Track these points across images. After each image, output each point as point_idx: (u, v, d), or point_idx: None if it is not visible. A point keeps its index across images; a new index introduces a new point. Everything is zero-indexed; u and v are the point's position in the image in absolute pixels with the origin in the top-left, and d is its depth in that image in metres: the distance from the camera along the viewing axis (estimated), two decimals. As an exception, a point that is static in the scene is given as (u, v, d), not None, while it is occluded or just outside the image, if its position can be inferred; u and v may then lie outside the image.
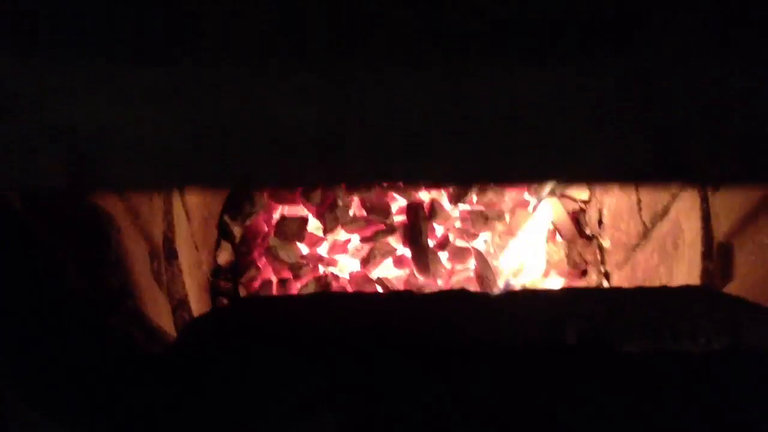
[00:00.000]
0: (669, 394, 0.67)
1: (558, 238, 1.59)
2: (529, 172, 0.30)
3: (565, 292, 0.76)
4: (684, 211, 1.20)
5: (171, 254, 1.04)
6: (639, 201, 1.40)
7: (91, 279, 0.67)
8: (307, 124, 0.32)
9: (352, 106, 0.31)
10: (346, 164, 0.29)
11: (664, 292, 0.75)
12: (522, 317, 0.73)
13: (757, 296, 0.82)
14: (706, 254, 1.10)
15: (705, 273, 1.08)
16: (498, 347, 0.71)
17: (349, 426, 0.65)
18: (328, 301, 0.72)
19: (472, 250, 1.52)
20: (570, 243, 1.57)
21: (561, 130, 0.34)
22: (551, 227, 1.60)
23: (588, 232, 1.59)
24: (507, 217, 1.57)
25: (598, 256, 1.56)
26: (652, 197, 1.33)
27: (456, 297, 0.75)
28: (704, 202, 1.13)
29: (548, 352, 0.70)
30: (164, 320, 0.91)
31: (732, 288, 0.98)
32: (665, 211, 1.29)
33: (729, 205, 1.05)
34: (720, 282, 1.02)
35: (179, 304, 1.02)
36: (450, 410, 0.70)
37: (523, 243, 1.55)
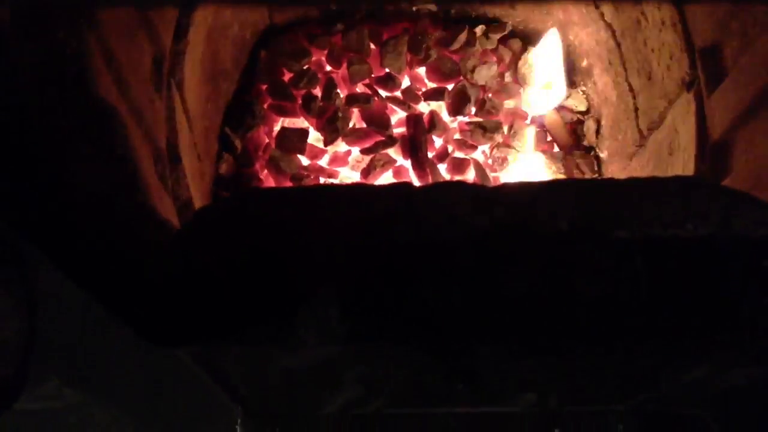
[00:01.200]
0: (657, 276, 0.70)
1: (556, 149, 1.61)
2: None
3: (559, 183, 0.78)
4: (680, 115, 1.22)
5: (175, 158, 1.07)
6: (636, 109, 1.41)
7: (101, 171, 0.69)
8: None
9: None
10: None
11: (654, 181, 0.77)
12: (517, 206, 0.75)
13: (755, 194, 0.84)
14: (700, 156, 1.13)
15: (698, 174, 1.10)
16: (493, 235, 0.74)
17: (352, 310, 0.68)
18: (329, 191, 0.75)
19: (471, 161, 1.54)
20: (567, 154, 1.58)
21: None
22: (549, 139, 1.62)
23: (585, 143, 1.61)
24: (505, 128, 1.59)
25: (595, 167, 1.58)
26: (650, 104, 1.34)
27: (453, 188, 0.77)
28: (699, 105, 1.14)
29: (542, 239, 0.73)
30: (171, 219, 0.93)
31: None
32: (662, 118, 1.30)
33: (724, 105, 1.06)
34: (714, 181, 1.04)
35: (184, 207, 1.04)
36: (448, 298, 0.74)
37: (521, 154, 1.57)
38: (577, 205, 0.75)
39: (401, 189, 0.76)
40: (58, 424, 1.72)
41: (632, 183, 0.78)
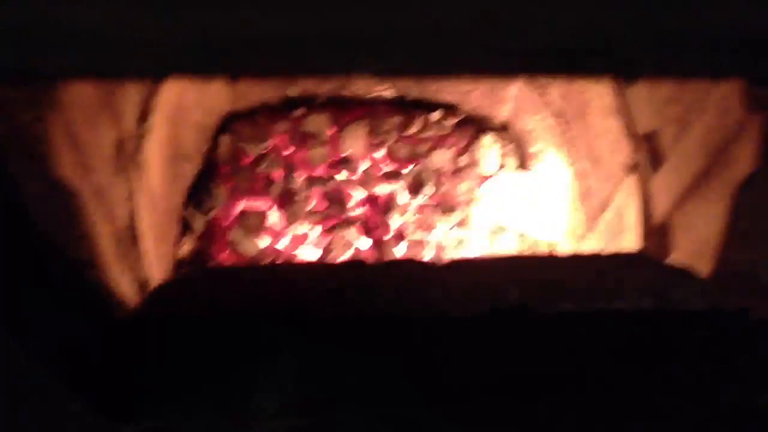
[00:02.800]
0: (601, 347, 0.73)
1: (510, 229, 1.65)
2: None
3: (506, 259, 0.81)
4: (626, 197, 1.27)
5: (134, 238, 1.08)
6: (585, 192, 1.47)
7: (59, 251, 0.70)
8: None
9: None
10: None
11: (598, 258, 0.81)
12: (466, 283, 0.78)
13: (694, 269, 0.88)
14: (646, 235, 1.17)
15: (645, 251, 1.15)
16: (444, 312, 0.76)
17: (304, 374, 0.69)
18: (285, 269, 0.77)
19: (427, 242, 1.57)
20: (521, 235, 1.63)
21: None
22: (504, 220, 1.67)
23: (539, 227, 1.66)
24: (461, 210, 1.63)
25: (549, 247, 1.62)
26: (597, 186, 1.40)
27: (404, 265, 0.80)
28: (644, 185, 1.20)
29: (491, 315, 0.76)
30: (129, 298, 0.94)
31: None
32: (608, 200, 1.36)
33: (665, 187, 1.12)
34: (658, 258, 1.08)
35: (142, 286, 1.05)
36: (400, 368, 0.75)
37: (477, 235, 1.61)
38: (524, 280, 0.78)
39: (354, 265, 0.79)
40: None
41: (578, 259, 0.81)
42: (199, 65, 0.28)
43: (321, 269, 0.78)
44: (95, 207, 0.91)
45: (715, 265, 0.87)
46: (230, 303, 0.71)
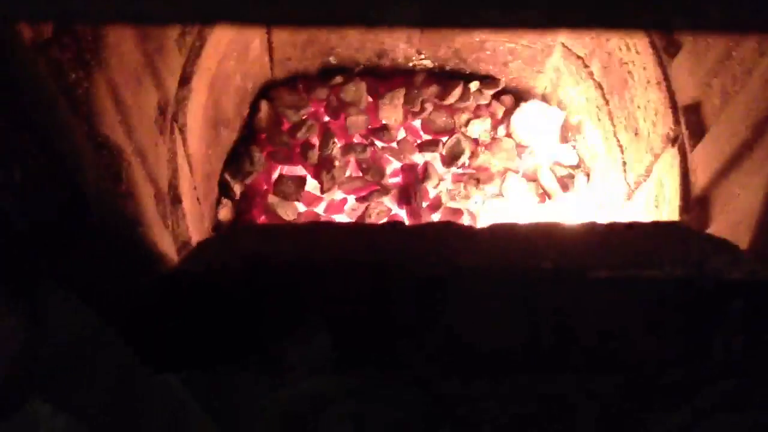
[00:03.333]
0: (633, 313, 0.73)
1: (547, 201, 1.65)
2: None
3: (542, 226, 0.82)
4: (665, 169, 1.26)
5: (176, 199, 1.10)
6: (624, 163, 1.46)
7: (109, 203, 0.72)
8: None
9: None
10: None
11: (634, 227, 0.80)
12: (502, 248, 0.79)
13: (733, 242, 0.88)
14: (684, 207, 1.16)
15: (683, 223, 1.14)
16: (477, 276, 0.77)
17: (336, 336, 0.70)
18: (322, 229, 0.78)
19: (463, 210, 1.58)
20: (558, 206, 1.62)
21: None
22: (540, 191, 1.66)
23: (575, 195, 1.65)
24: (497, 180, 1.63)
25: (586, 219, 1.62)
26: (637, 158, 1.39)
27: (441, 229, 0.80)
28: (683, 159, 1.18)
29: (526, 278, 0.76)
30: (171, 255, 0.96)
31: (705, 236, 1.04)
32: (648, 172, 1.35)
33: (705, 159, 1.11)
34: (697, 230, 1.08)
35: (182, 246, 1.07)
36: (431, 329, 0.76)
37: (513, 205, 1.61)
38: (560, 247, 0.78)
39: (390, 227, 0.80)
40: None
41: (614, 227, 0.81)
42: (239, 12, 0.29)
43: (358, 229, 0.79)
44: (138, 167, 0.93)
45: (755, 237, 0.86)
46: (267, 261, 0.73)
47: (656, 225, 0.81)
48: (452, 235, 0.80)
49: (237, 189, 1.55)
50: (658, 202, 1.29)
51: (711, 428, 1.02)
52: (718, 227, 1.04)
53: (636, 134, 1.40)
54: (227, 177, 1.55)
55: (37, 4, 0.31)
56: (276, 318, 0.71)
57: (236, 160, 1.59)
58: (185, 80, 1.25)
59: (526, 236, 0.79)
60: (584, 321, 0.75)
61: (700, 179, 1.13)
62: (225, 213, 1.53)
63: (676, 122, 1.22)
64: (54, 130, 0.44)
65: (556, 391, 0.92)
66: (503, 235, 0.80)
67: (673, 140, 1.23)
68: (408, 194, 1.58)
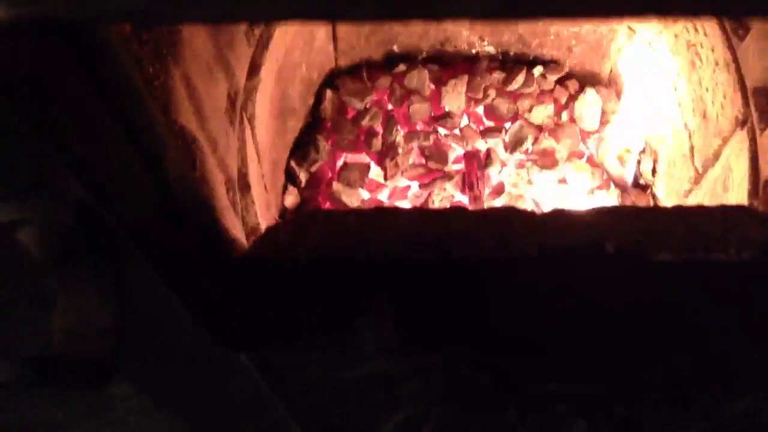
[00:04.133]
0: (697, 297, 0.73)
1: (612, 187, 1.63)
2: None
3: (607, 210, 0.82)
4: (734, 153, 1.24)
5: (245, 186, 1.14)
6: (692, 147, 1.44)
7: (186, 188, 0.76)
8: None
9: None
10: None
11: (701, 210, 0.80)
12: (564, 232, 0.80)
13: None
14: (753, 192, 1.14)
15: (751, 207, 1.12)
16: (541, 260, 0.78)
17: (404, 320, 0.73)
18: (388, 214, 0.80)
19: (526, 197, 1.58)
20: (623, 192, 1.61)
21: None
22: (605, 177, 1.65)
23: (642, 181, 1.63)
24: (562, 167, 1.63)
25: (652, 205, 1.60)
26: (705, 142, 1.37)
27: (504, 214, 0.82)
28: (752, 142, 1.16)
29: (589, 262, 0.77)
30: (241, 240, 1.00)
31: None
32: (716, 156, 1.32)
33: (775, 143, 1.09)
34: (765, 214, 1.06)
35: (251, 232, 1.11)
36: (495, 313, 0.78)
37: (577, 192, 1.60)
38: (623, 231, 0.79)
39: (454, 212, 0.81)
40: (122, 450, 1.79)
41: (678, 210, 0.81)
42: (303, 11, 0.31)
43: (423, 214, 0.81)
44: (210, 155, 0.97)
45: (824, 221, 0.85)
46: (334, 245, 0.75)
47: (722, 208, 0.81)
48: (514, 220, 0.81)
49: (303, 176, 1.59)
50: (726, 187, 1.27)
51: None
52: (787, 212, 1.02)
53: (704, 117, 1.37)
54: (293, 165, 1.59)
55: (122, 6, 0.34)
56: (343, 301, 0.74)
57: (302, 149, 1.62)
58: (254, 71, 1.29)
59: (588, 221, 0.80)
60: (648, 305, 0.76)
61: (769, 163, 1.11)
62: (291, 200, 1.57)
63: (745, 105, 1.20)
64: (140, 122, 0.48)
65: (623, 374, 0.92)
66: (565, 220, 0.81)
67: (742, 123, 1.21)
68: (471, 180, 1.59)
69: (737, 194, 1.21)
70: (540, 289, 0.77)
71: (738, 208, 0.81)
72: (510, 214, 0.81)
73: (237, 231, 0.98)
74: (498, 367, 0.89)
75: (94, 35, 0.40)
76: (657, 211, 0.81)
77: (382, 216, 0.79)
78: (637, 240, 0.77)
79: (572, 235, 0.79)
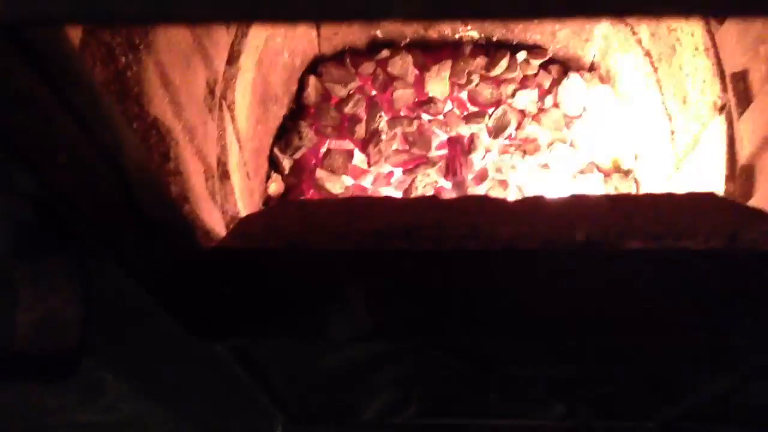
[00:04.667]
0: (666, 285, 0.74)
1: (595, 171, 1.64)
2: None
3: (579, 198, 0.83)
4: (713, 138, 1.25)
5: (224, 175, 1.14)
6: (672, 132, 1.44)
7: (151, 187, 0.76)
8: None
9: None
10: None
11: (669, 197, 0.81)
12: (536, 220, 0.80)
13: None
14: (730, 177, 1.15)
15: (727, 194, 1.13)
16: (512, 248, 0.79)
17: (377, 306, 0.73)
18: (362, 203, 0.81)
19: (510, 182, 1.58)
20: (606, 177, 1.62)
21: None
22: (588, 162, 1.65)
23: (624, 166, 1.64)
24: (545, 151, 1.63)
25: (634, 189, 1.61)
26: (685, 127, 1.37)
27: (476, 202, 0.82)
28: (730, 127, 1.17)
29: (558, 251, 0.78)
30: (218, 230, 1.01)
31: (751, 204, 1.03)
32: (696, 141, 1.33)
33: (751, 128, 1.09)
34: (741, 201, 1.07)
35: (232, 220, 1.12)
36: (466, 302, 0.79)
37: (560, 177, 1.61)
38: (594, 219, 0.79)
39: (427, 201, 0.82)
40: (113, 437, 1.80)
41: (648, 198, 0.82)
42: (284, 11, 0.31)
43: (396, 203, 0.81)
44: (187, 145, 0.97)
45: (795, 207, 0.85)
46: (307, 235, 0.76)
47: (691, 195, 0.82)
48: (486, 208, 0.81)
49: (286, 164, 1.59)
50: (704, 172, 1.28)
51: (753, 395, 1.02)
52: (763, 196, 1.03)
53: (684, 102, 1.38)
54: (276, 152, 1.59)
55: (77, 6, 0.34)
56: (316, 290, 0.75)
57: (285, 136, 1.62)
58: (233, 59, 1.28)
59: (560, 208, 0.81)
60: (617, 293, 0.76)
61: (746, 148, 1.12)
62: (275, 188, 1.57)
63: (724, 90, 1.21)
64: (97, 118, 0.48)
65: (598, 356, 0.93)
66: (537, 207, 0.81)
67: (721, 108, 1.21)
68: (454, 166, 1.59)
69: (715, 179, 1.22)
70: (510, 277, 0.78)
71: (707, 196, 0.82)
72: (481, 202, 0.82)
73: (214, 220, 0.99)
74: (474, 352, 0.90)
75: (45, 32, 0.40)
76: (627, 199, 0.82)
77: (355, 206, 0.80)
78: (606, 228, 0.78)
79: (543, 224, 0.80)
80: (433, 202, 0.82)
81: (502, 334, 0.79)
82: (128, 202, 0.55)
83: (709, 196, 0.81)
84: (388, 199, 0.86)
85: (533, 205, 0.82)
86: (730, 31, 1.19)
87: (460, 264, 0.78)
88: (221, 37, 1.24)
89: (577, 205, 0.81)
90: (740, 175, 1.12)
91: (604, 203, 0.81)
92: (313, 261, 0.75)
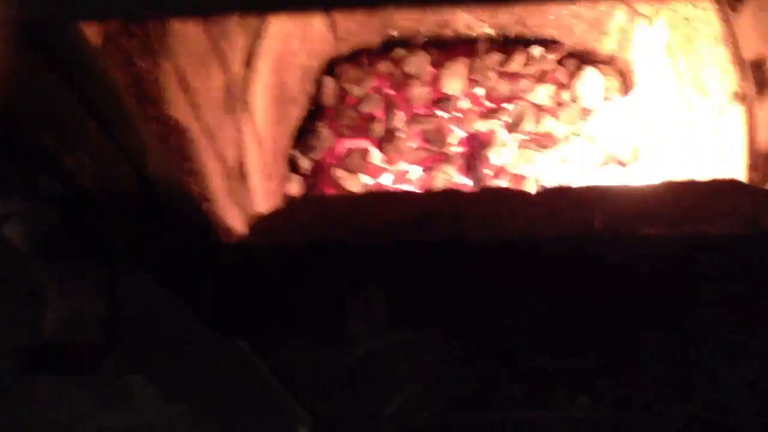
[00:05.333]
0: (685, 270, 0.74)
1: (615, 163, 1.63)
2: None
3: (595, 188, 0.83)
4: (732, 127, 1.24)
5: (243, 175, 1.15)
6: (692, 124, 1.43)
7: (172, 186, 0.77)
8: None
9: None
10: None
11: (687, 184, 0.80)
12: (555, 210, 0.80)
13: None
14: (752, 165, 1.14)
15: (750, 182, 1.12)
16: (531, 238, 0.79)
17: (396, 299, 0.74)
18: (381, 198, 0.81)
19: (528, 176, 1.58)
20: (626, 168, 1.61)
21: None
22: (608, 153, 1.65)
23: (643, 157, 1.63)
24: (562, 145, 1.63)
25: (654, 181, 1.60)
26: (704, 116, 1.37)
27: (496, 194, 0.83)
28: (750, 115, 1.16)
29: (578, 238, 0.78)
30: (238, 228, 1.02)
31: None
32: (715, 130, 1.32)
33: (771, 115, 1.09)
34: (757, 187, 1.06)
35: (251, 220, 1.13)
36: (487, 292, 0.79)
37: (580, 169, 1.61)
38: (612, 207, 0.79)
39: (447, 194, 0.82)
40: (142, 440, 1.82)
41: (665, 185, 0.81)
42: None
43: (415, 197, 0.82)
44: (206, 146, 0.98)
45: (816, 192, 0.85)
46: (326, 231, 0.77)
47: (713, 182, 0.81)
48: (507, 200, 0.82)
49: (305, 164, 1.60)
50: (725, 160, 1.27)
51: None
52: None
53: (703, 92, 1.37)
54: (295, 153, 1.60)
55: (93, 5, 0.35)
56: (335, 283, 0.75)
57: (304, 136, 1.64)
58: (250, 61, 1.30)
59: (579, 198, 0.81)
60: (638, 278, 0.76)
61: (765, 135, 1.11)
62: (295, 188, 1.58)
63: (743, 79, 1.20)
64: (118, 120, 0.49)
65: (614, 346, 0.93)
66: (555, 198, 0.81)
67: (740, 97, 1.21)
68: (473, 162, 1.59)
69: (736, 167, 1.21)
70: (531, 266, 0.78)
71: (728, 182, 0.81)
72: (501, 194, 0.82)
73: (233, 219, 1.00)
74: (494, 344, 0.90)
75: (65, 35, 0.41)
76: (645, 188, 0.82)
77: (372, 200, 0.80)
78: (624, 216, 0.78)
79: (562, 213, 0.80)
80: (452, 194, 0.82)
81: (523, 323, 0.79)
82: (150, 200, 0.56)
83: (731, 183, 0.81)
84: (407, 193, 0.86)
85: (552, 195, 0.82)
86: (747, 20, 1.18)
87: (481, 254, 0.79)
88: (238, 39, 1.25)
89: (595, 194, 0.81)
90: (761, 162, 1.11)
91: (622, 192, 0.81)
92: (331, 255, 0.76)
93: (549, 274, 0.78)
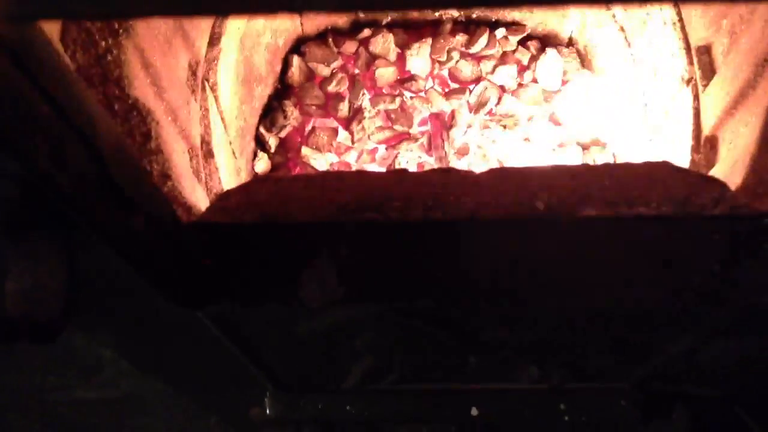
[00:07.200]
0: (621, 249, 0.79)
1: (574, 144, 1.68)
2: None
3: (538, 169, 0.87)
4: (680, 110, 1.29)
5: (208, 154, 1.18)
6: (645, 105, 1.48)
7: (128, 166, 0.80)
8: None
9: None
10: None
11: (626, 167, 0.85)
12: (500, 190, 0.84)
13: (731, 179, 0.91)
14: (696, 147, 1.19)
15: (692, 164, 1.18)
16: (474, 218, 0.83)
17: (348, 276, 0.78)
18: (332, 176, 0.85)
19: (490, 156, 1.62)
20: (585, 149, 1.66)
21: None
22: (568, 134, 1.69)
23: (601, 139, 1.68)
24: (524, 125, 1.67)
25: (613, 161, 1.65)
26: (656, 99, 1.41)
27: (442, 173, 0.87)
28: (696, 99, 1.21)
29: (520, 218, 0.82)
30: (202, 206, 1.05)
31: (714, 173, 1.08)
32: (666, 112, 1.37)
33: (714, 100, 1.13)
34: (705, 170, 1.11)
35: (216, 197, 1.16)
36: (431, 268, 0.83)
37: (540, 150, 1.65)
38: (554, 188, 0.84)
39: (396, 174, 0.86)
40: (113, 412, 1.86)
41: (605, 168, 0.86)
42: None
43: (366, 177, 0.86)
44: (169, 125, 1.01)
45: (747, 173, 0.90)
46: (281, 208, 0.80)
47: (647, 165, 0.86)
48: (452, 179, 0.86)
49: (272, 142, 1.63)
50: (674, 142, 1.32)
51: (714, 354, 1.07)
52: (723, 165, 1.07)
53: (655, 76, 1.42)
54: (262, 131, 1.63)
55: (53, 4, 0.38)
56: (289, 259, 0.79)
57: (270, 115, 1.66)
58: (214, 40, 1.32)
59: (522, 179, 0.85)
60: (576, 257, 0.81)
61: (710, 119, 1.16)
62: (262, 166, 1.61)
63: (690, 63, 1.24)
64: (70, 104, 0.52)
65: (564, 319, 0.98)
66: (500, 178, 0.85)
67: (687, 81, 1.25)
68: (436, 142, 1.63)
69: (682, 150, 1.26)
70: (474, 245, 0.82)
71: (661, 164, 0.86)
72: (447, 174, 0.86)
73: (197, 197, 1.03)
74: (448, 317, 0.95)
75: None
76: (586, 169, 0.86)
77: (327, 181, 0.84)
78: (565, 197, 0.82)
79: (506, 194, 0.84)
80: (401, 175, 0.86)
81: (466, 299, 0.84)
82: (105, 179, 0.59)
83: (664, 165, 0.85)
84: (359, 173, 0.90)
85: (497, 176, 0.86)
86: (695, 4, 1.22)
87: (426, 233, 0.83)
88: (202, 19, 1.27)
89: (539, 175, 0.85)
90: (704, 145, 1.16)
91: (564, 174, 0.85)
92: (285, 232, 0.80)
93: (491, 252, 0.82)
